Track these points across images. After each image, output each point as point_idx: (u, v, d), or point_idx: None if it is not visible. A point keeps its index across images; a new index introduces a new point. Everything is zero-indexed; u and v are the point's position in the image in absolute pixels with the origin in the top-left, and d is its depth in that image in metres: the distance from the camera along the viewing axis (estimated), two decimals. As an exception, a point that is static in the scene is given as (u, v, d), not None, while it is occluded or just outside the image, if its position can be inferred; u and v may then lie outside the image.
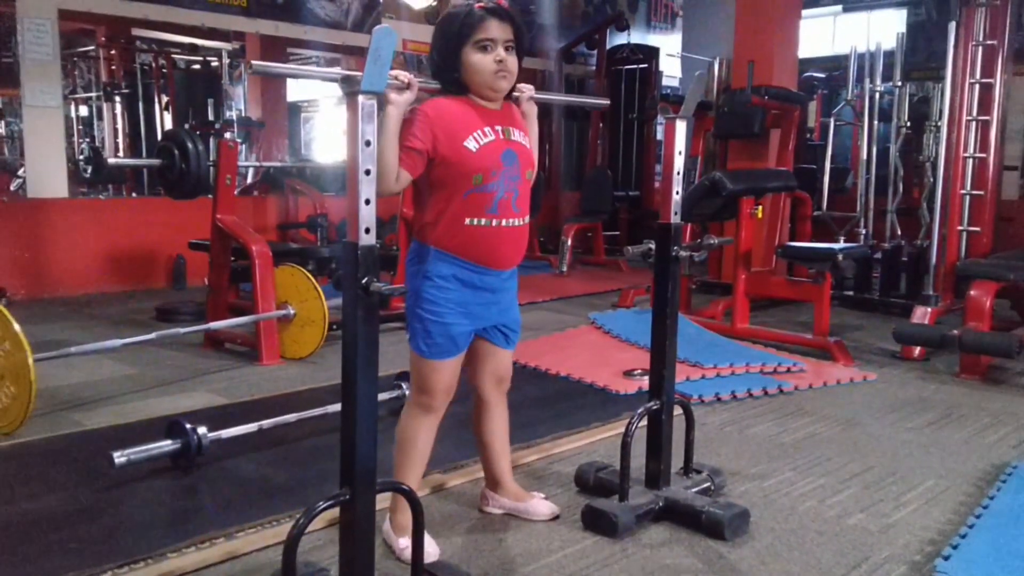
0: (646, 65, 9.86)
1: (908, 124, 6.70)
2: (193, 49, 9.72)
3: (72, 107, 10.08)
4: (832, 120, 7.18)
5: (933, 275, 4.90)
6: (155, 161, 4.53)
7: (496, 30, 2.02)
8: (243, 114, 9.38)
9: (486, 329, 2.21)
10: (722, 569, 2.13)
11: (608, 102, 2.96)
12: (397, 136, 1.93)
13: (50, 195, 6.29)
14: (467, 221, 2.06)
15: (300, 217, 7.70)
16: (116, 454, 2.53)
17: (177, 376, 4.02)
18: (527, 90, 2.22)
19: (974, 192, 4.86)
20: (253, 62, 1.73)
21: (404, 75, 1.89)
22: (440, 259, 2.08)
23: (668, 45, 11.28)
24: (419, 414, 2.18)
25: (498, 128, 2.09)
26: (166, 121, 9.56)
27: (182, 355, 4.42)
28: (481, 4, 2.02)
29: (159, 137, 7.67)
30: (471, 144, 2.03)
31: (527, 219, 2.17)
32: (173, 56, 9.85)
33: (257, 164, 8.28)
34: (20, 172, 7.19)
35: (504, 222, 2.09)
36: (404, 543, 2.09)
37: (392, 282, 4.78)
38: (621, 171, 9.90)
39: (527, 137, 2.20)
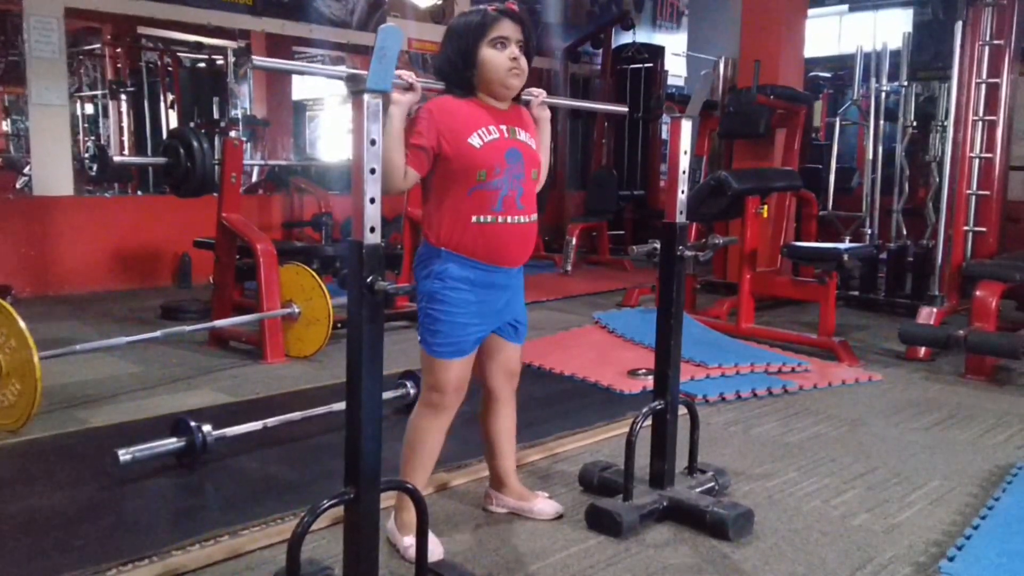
0: (651, 64, 9.85)
1: (914, 124, 6.68)
2: (199, 47, 9.75)
3: (78, 105, 10.13)
4: (838, 120, 7.16)
5: (939, 275, 4.89)
6: (160, 159, 4.53)
7: (510, 29, 2.06)
8: (248, 112, 9.40)
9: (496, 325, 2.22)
10: (726, 569, 2.13)
11: (626, 109, 2.93)
12: (402, 135, 1.95)
13: (56, 193, 6.30)
14: (473, 219, 2.07)
15: (305, 216, 7.72)
16: (121, 452, 2.54)
17: (182, 374, 4.03)
18: (539, 94, 2.22)
19: (980, 192, 4.84)
20: (253, 57, 1.74)
21: (408, 75, 1.90)
22: (450, 260, 2.08)
23: (673, 44, 11.26)
24: (430, 414, 2.17)
25: (503, 127, 2.10)
26: (171, 119, 9.59)
27: (187, 353, 4.43)
28: (495, 6, 2.07)
29: (164, 135, 7.69)
30: (475, 140, 2.04)
31: (534, 217, 2.17)
32: (179, 54, 9.88)
33: (262, 163, 8.31)
34: (26, 170, 7.21)
35: (510, 219, 2.10)
36: (408, 542, 2.09)
37: (397, 281, 4.79)
38: (626, 170, 9.88)
39: (534, 139, 2.20)
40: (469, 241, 2.07)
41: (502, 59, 2.05)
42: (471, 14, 2.09)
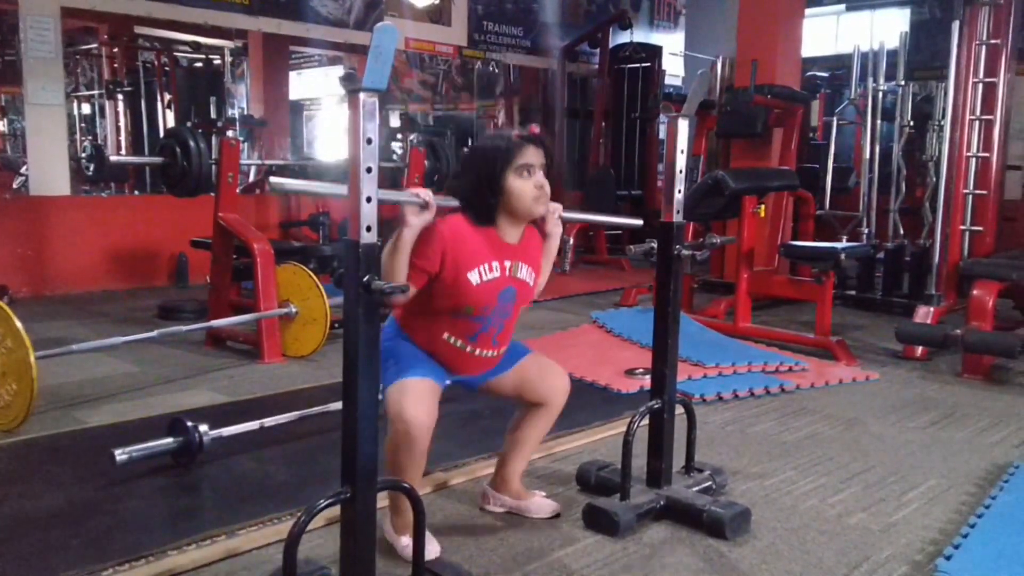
0: (649, 64, 9.84)
1: (911, 123, 6.69)
2: (196, 47, 9.73)
3: (75, 105, 10.09)
4: (835, 119, 7.17)
5: (936, 275, 4.89)
6: (157, 159, 4.52)
7: (534, 155, 2.08)
8: (245, 112, 9.39)
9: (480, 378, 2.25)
10: (723, 568, 2.13)
11: (640, 222, 2.89)
12: (408, 254, 1.92)
13: (53, 193, 6.29)
14: (445, 335, 2.11)
15: (302, 215, 7.71)
16: (117, 451, 2.54)
17: (179, 374, 4.02)
18: (556, 209, 2.19)
19: (977, 192, 4.85)
20: (272, 179, 1.76)
21: (425, 194, 1.87)
22: (411, 346, 2.13)
23: (671, 44, 11.26)
24: (399, 448, 2.02)
25: (507, 263, 2.11)
26: (168, 119, 9.56)
27: (184, 353, 4.43)
28: (518, 133, 2.09)
29: (161, 135, 7.67)
30: (474, 277, 2.05)
31: (503, 351, 2.22)
32: (176, 54, 9.85)
33: (259, 162, 8.29)
34: (23, 170, 7.19)
35: (479, 351, 2.15)
36: (405, 541, 2.09)
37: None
38: (624, 170, 9.88)
39: (535, 271, 2.21)
40: (435, 350, 2.13)
41: (529, 187, 2.07)
42: (496, 139, 2.11)
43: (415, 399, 2.00)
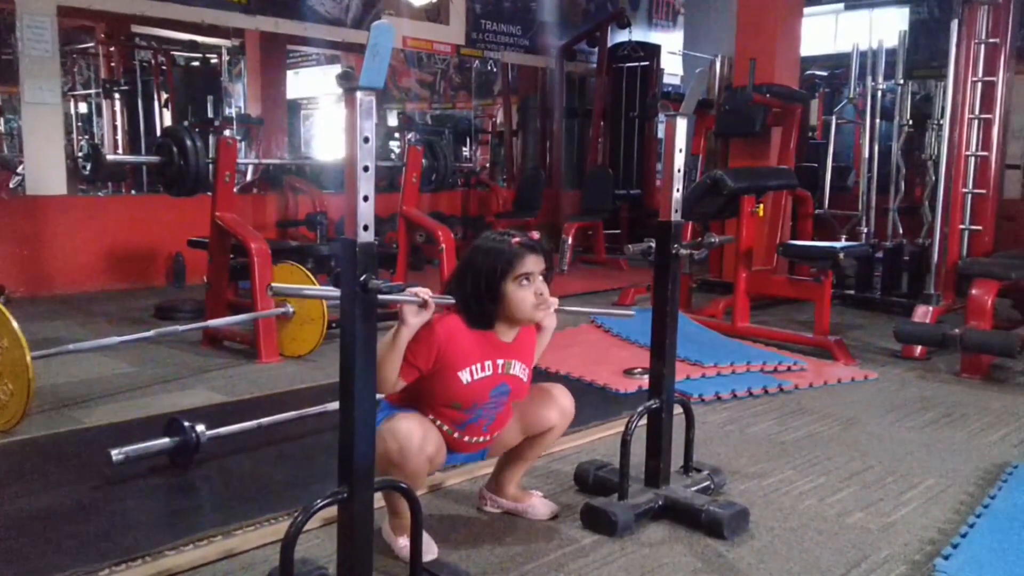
0: (647, 63, 9.85)
1: (910, 122, 6.68)
2: (193, 46, 9.72)
3: (71, 104, 10.07)
4: (834, 118, 7.15)
5: (934, 274, 4.89)
6: (154, 158, 4.51)
7: (533, 263, 2.07)
8: (242, 111, 9.38)
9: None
10: (721, 568, 2.12)
11: (633, 314, 2.98)
12: (403, 352, 1.94)
13: (49, 192, 6.28)
14: (436, 421, 2.10)
15: (299, 215, 7.70)
16: (114, 451, 2.53)
17: (176, 374, 4.01)
18: (552, 304, 2.17)
19: (976, 191, 4.85)
20: (273, 285, 1.77)
21: (424, 293, 1.88)
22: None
23: (669, 43, 11.25)
24: (392, 463, 1.99)
25: (499, 362, 2.11)
26: (166, 118, 9.55)
27: (181, 353, 4.42)
28: (518, 240, 2.08)
29: (158, 134, 7.66)
30: (464, 376, 2.06)
31: (495, 436, 2.22)
32: (173, 53, 9.85)
33: (256, 161, 8.28)
34: (19, 169, 7.18)
35: (467, 438, 2.15)
36: (403, 542, 2.08)
37: (391, 280, 4.77)
38: (622, 169, 9.88)
39: (527, 367, 2.20)
40: None
41: (529, 296, 2.06)
42: (495, 243, 2.08)
43: (408, 423, 2.01)
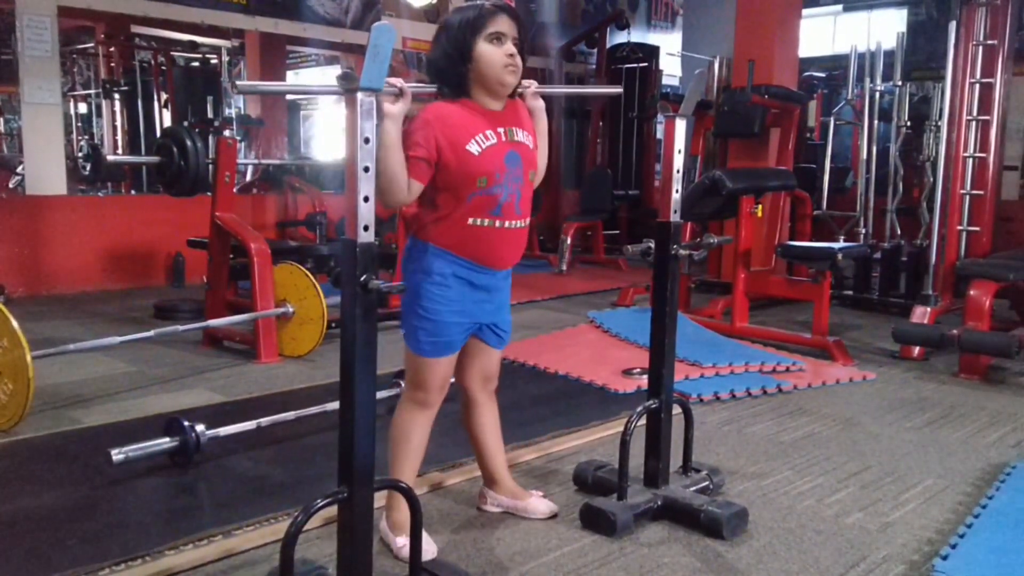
0: (646, 64, 9.86)
1: (908, 124, 6.69)
2: (192, 46, 9.73)
3: (71, 104, 10.09)
4: (832, 119, 7.17)
5: (932, 275, 4.90)
6: (154, 158, 4.51)
7: (506, 25, 2.05)
8: (242, 112, 9.39)
9: (480, 327, 2.21)
10: (720, 568, 2.13)
11: (620, 89, 3.00)
12: (399, 145, 1.92)
13: (49, 192, 6.28)
14: (470, 221, 2.06)
15: (299, 215, 7.70)
16: (114, 451, 2.53)
17: (175, 374, 4.02)
18: (530, 84, 2.22)
19: (974, 192, 4.86)
20: (237, 83, 1.75)
21: (397, 82, 1.88)
22: (438, 255, 2.08)
23: (668, 44, 11.28)
24: (415, 409, 2.18)
25: (500, 130, 2.09)
26: (165, 118, 9.56)
27: (181, 353, 4.42)
28: (492, 2, 2.06)
29: (158, 134, 7.67)
30: (473, 148, 2.02)
31: (528, 220, 2.18)
32: (172, 53, 9.85)
33: (256, 162, 8.29)
34: (19, 169, 7.18)
35: (507, 223, 2.10)
36: (402, 541, 2.09)
37: (391, 280, 4.78)
38: (621, 170, 9.89)
39: (531, 136, 2.19)
40: (461, 240, 2.07)
41: (499, 55, 2.03)
42: (467, 9, 2.07)
43: (444, 379, 2.17)
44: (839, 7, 10.68)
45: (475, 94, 2.08)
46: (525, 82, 2.19)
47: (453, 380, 2.26)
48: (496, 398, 2.39)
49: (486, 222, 2.07)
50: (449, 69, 2.06)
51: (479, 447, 2.40)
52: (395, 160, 1.91)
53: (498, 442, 2.42)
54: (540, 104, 2.26)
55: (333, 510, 1.75)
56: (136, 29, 9.41)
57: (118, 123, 10.00)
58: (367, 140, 1.62)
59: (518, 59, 2.07)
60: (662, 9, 12.22)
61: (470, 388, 2.32)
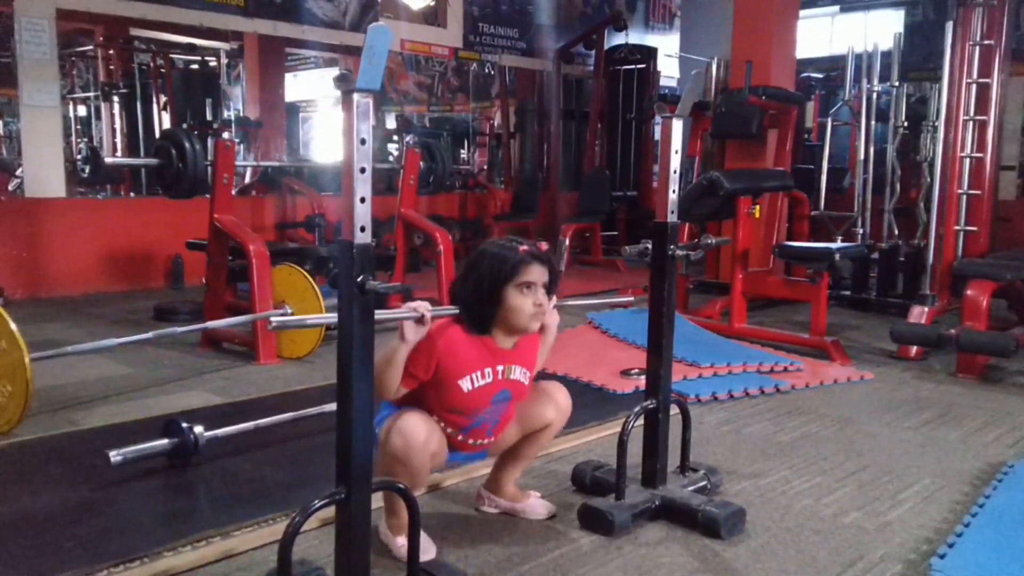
0: (644, 65, 9.88)
1: (905, 124, 6.70)
2: (191, 49, 9.73)
3: (70, 107, 10.09)
4: (830, 120, 7.19)
5: (930, 275, 4.90)
6: (152, 161, 4.52)
7: (537, 274, 2.07)
8: (241, 114, 9.40)
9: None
10: (718, 568, 2.13)
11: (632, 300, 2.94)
12: (403, 364, 1.96)
13: (48, 195, 6.29)
14: (439, 422, 2.12)
15: (298, 217, 7.71)
16: (112, 453, 2.53)
17: (174, 375, 4.02)
18: (551, 302, 2.18)
19: (971, 192, 4.86)
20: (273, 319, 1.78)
21: (422, 307, 1.89)
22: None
23: (666, 45, 11.29)
24: (396, 460, 2.02)
25: (499, 368, 2.12)
26: (164, 121, 9.57)
27: (179, 354, 4.42)
28: (525, 248, 2.07)
29: (157, 137, 7.68)
30: (465, 384, 2.07)
31: (499, 438, 2.25)
32: (171, 56, 9.86)
33: (255, 164, 8.30)
34: (18, 172, 7.19)
35: (472, 440, 2.18)
36: (400, 542, 2.09)
37: (389, 281, 4.78)
38: (619, 171, 9.90)
39: (528, 372, 2.21)
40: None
41: (528, 305, 2.06)
42: (502, 251, 2.07)
43: (414, 420, 2.03)
44: (836, 8, 10.70)
45: (495, 332, 2.12)
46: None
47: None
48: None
49: (451, 431, 2.14)
50: (475, 307, 2.08)
51: (513, 458, 2.38)
52: (394, 377, 1.95)
53: (531, 462, 2.46)
54: (556, 320, 2.26)
55: (331, 511, 1.75)
56: (135, 32, 9.42)
57: (117, 125, 10.01)
58: (363, 141, 1.62)
59: (546, 305, 2.10)
60: (660, 10, 12.23)
61: (544, 419, 2.31)
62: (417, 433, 2.01)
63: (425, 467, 2.07)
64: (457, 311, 2.09)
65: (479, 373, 2.09)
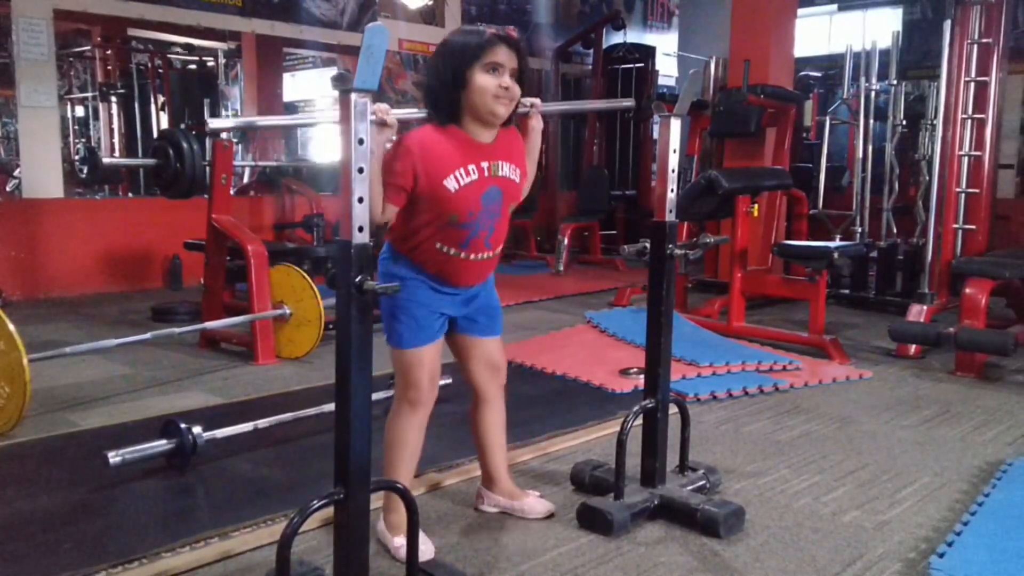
0: (642, 64, 9.87)
1: (904, 122, 6.71)
2: (189, 49, 9.73)
3: (68, 107, 10.08)
4: (828, 119, 7.19)
5: (929, 273, 4.91)
6: (150, 161, 4.52)
7: (505, 56, 2.02)
8: (239, 114, 9.39)
9: (465, 319, 2.21)
10: (717, 567, 2.13)
11: (632, 102, 2.95)
12: (378, 176, 1.91)
13: (46, 195, 6.28)
14: (437, 245, 2.08)
15: (296, 217, 7.70)
16: (111, 454, 2.53)
17: (173, 376, 4.02)
18: (535, 104, 2.19)
19: (970, 190, 4.86)
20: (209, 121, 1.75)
21: (382, 109, 1.86)
22: (408, 266, 2.10)
23: (664, 44, 11.30)
24: (407, 411, 2.16)
25: (484, 164, 2.06)
26: (162, 121, 9.57)
27: (178, 355, 4.42)
28: (494, 31, 2.03)
29: (155, 137, 7.67)
30: (451, 184, 2.01)
31: (498, 250, 2.19)
32: (169, 56, 9.85)
33: (253, 164, 8.29)
34: (16, 172, 7.18)
35: (473, 256, 2.11)
36: (399, 542, 2.08)
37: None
38: (618, 170, 9.90)
39: (520, 167, 2.17)
40: (430, 263, 2.09)
41: (492, 84, 2.00)
42: (468, 34, 2.05)
43: (432, 373, 2.12)
44: (834, 6, 10.70)
45: (465, 123, 2.06)
46: (527, 100, 2.17)
47: (450, 381, 2.26)
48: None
49: (452, 251, 2.08)
50: (442, 93, 2.04)
51: (482, 445, 2.40)
52: (376, 191, 1.90)
53: (501, 442, 2.42)
54: (539, 125, 2.24)
55: (330, 511, 1.75)
56: (133, 32, 9.41)
57: (115, 126, 10.00)
58: (361, 141, 1.62)
59: (514, 90, 2.04)
60: (658, 9, 12.23)
61: (477, 383, 2.31)
62: (431, 399, 2.14)
63: (428, 388, 2.14)
64: (424, 114, 2.05)
65: (462, 170, 2.02)
